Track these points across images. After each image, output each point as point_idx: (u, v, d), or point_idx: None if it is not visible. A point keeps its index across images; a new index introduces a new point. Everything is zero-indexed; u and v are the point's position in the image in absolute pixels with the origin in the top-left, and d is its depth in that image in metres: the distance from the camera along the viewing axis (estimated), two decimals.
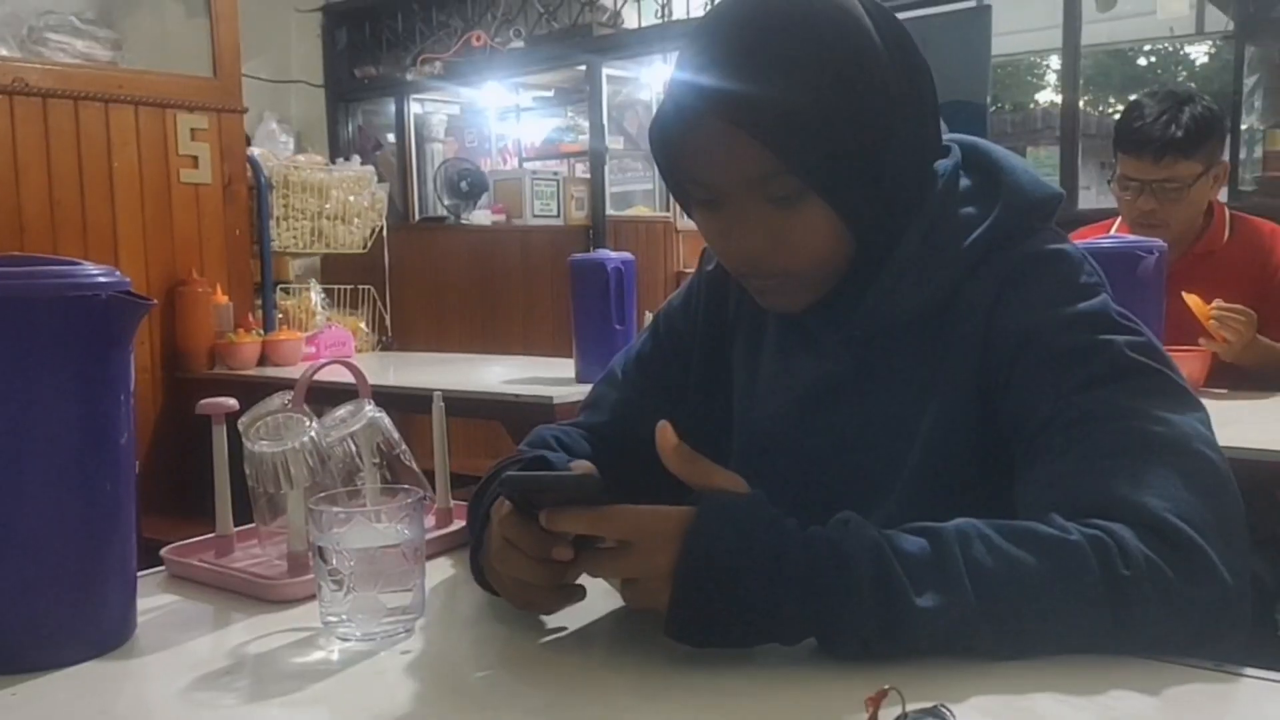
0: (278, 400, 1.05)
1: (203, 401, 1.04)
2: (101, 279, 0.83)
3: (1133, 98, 2.36)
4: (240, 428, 1.02)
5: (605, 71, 5.14)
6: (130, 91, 3.03)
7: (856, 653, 0.73)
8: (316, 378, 1.05)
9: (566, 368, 2.56)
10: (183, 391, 3.02)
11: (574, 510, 0.77)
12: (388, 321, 3.66)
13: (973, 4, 4.23)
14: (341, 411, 1.07)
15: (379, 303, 3.65)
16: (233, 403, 1.05)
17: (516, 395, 2.33)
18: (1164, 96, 2.23)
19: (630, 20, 5.06)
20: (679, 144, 0.90)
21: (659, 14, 4.88)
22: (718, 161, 0.88)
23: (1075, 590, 0.73)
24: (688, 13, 4.81)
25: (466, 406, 2.32)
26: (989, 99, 4.16)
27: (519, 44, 5.22)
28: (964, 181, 0.95)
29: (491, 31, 5.35)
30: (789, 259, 0.90)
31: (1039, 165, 0.91)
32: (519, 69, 5.34)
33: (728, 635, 0.75)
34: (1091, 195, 5.66)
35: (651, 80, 5.74)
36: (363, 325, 3.54)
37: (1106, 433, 0.81)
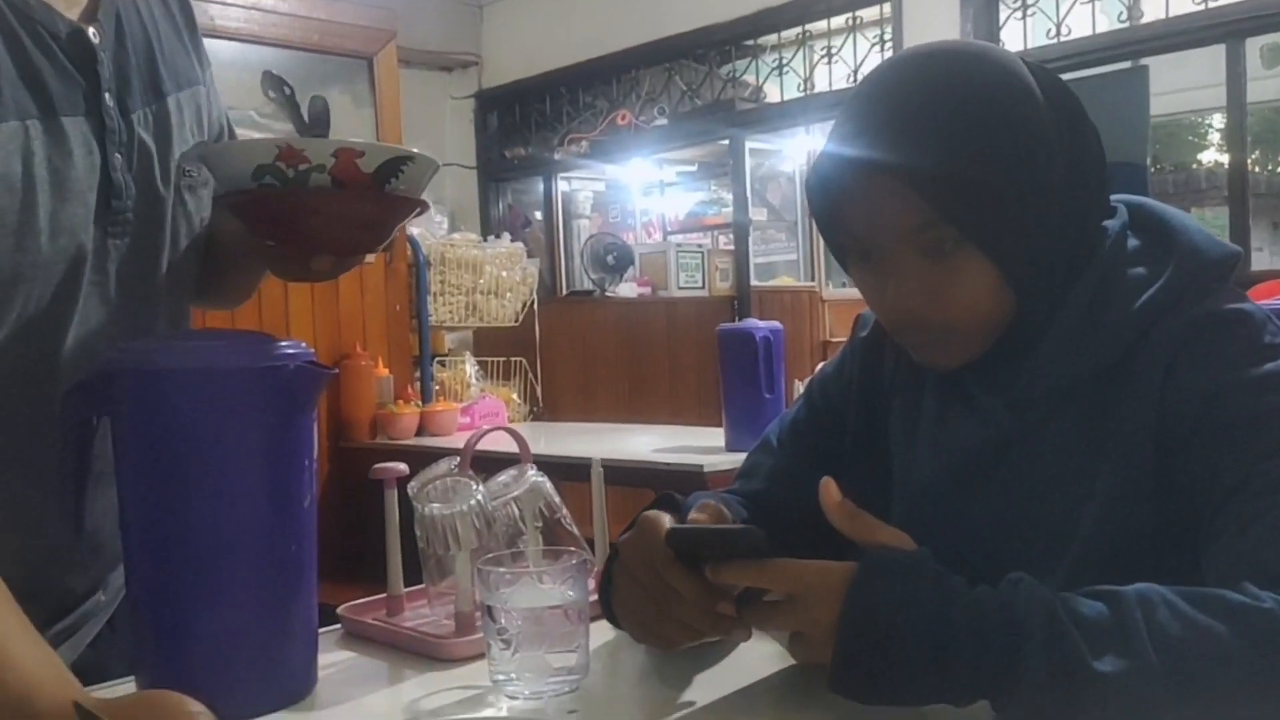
0: (444, 465, 1.09)
1: (376, 466, 1.09)
2: (289, 350, 0.89)
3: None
4: (410, 492, 1.06)
5: (748, 145, 5.20)
6: None
7: (1031, 716, 0.71)
8: (478, 446, 1.10)
9: (715, 437, 2.58)
10: (347, 460, 3.16)
11: (739, 563, 0.78)
12: (538, 392, 3.75)
13: (1129, 65, 4.13)
14: (505, 476, 1.11)
15: (530, 373, 3.74)
16: (403, 468, 1.10)
17: (668, 464, 2.35)
18: None
19: (773, 95, 5.12)
20: (834, 196, 0.90)
21: (801, 88, 4.93)
22: (870, 211, 0.88)
23: (1270, 660, 0.69)
24: (830, 85, 4.84)
25: (618, 475, 2.35)
26: (1149, 160, 4.03)
27: (663, 121, 5.34)
28: (1132, 241, 0.93)
29: (636, 110, 5.49)
30: (947, 312, 0.89)
31: (1207, 226, 0.89)
32: (662, 145, 5.45)
33: (893, 693, 0.74)
34: (1264, 257, 5.39)
35: (794, 152, 5.78)
36: (515, 396, 3.64)
37: None
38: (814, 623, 0.76)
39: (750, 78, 5.14)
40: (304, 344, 0.92)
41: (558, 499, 1.09)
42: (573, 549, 0.93)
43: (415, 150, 0.93)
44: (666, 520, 0.87)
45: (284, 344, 0.89)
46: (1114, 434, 0.88)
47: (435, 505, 1.01)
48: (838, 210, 0.91)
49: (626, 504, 3.69)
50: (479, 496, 1.02)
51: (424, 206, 0.98)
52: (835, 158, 0.89)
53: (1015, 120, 0.86)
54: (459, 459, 1.09)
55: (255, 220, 0.96)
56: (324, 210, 0.91)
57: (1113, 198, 0.96)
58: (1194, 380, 0.85)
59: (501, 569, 0.87)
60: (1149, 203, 0.97)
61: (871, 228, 0.89)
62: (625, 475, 2.42)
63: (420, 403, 3.31)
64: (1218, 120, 5.14)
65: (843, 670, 0.74)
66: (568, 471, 2.22)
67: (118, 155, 0.96)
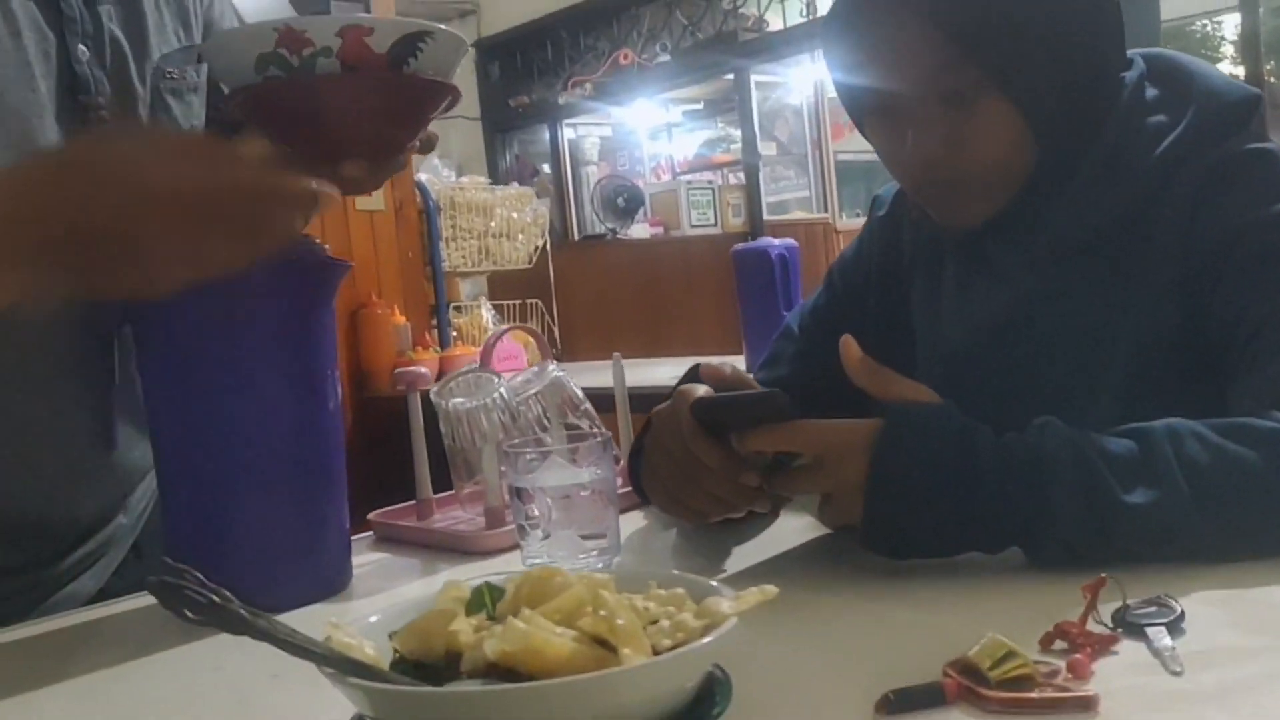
0: (466, 367, 1.09)
1: (398, 370, 1.10)
2: (304, 246, 0.89)
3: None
4: (433, 394, 1.07)
5: (754, 79, 5.14)
6: None
7: (1062, 558, 0.71)
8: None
9: (737, 363, 2.57)
10: (370, 411, 3.17)
11: (764, 428, 0.78)
12: (556, 333, 3.75)
13: None
14: (526, 374, 1.11)
15: (546, 315, 3.74)
16: (426, 372, 1.10)
17: None
18: None
19: (775, 23, 5.05)
20: (854, 42, 0.89)
21: (804, 12, 4.86)
22: (893, 54, 0.87)
23: None
24: None
25: (641, 403, 2.34)
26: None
27: (665, 58, 5.29)
28: (1151, 91, 0.92)
29: (638, 49, 5.43)
30: (968, 162, 0.88)
31: None
32: (667, 82, 5.40)
33: (924, 545, 0.75)
34: None
35: (800, 84, 5.72)
36: (532, 340, 3.64)
37: None
38: (842, 482, 0.75)
39: (751, 10, 5.07)
40: (316, 240, 0.92)
41: (580, 393, 1.09)
42: (597, 430, 0.93)
43: (435, 25, 0.82)
44: (700, 391, 0.86)
45: (300, 239, 0.89)
46: (1138, 282, 0.88)
47: (459, 399, 1.01)
48: (856, 60, 0.90)
49: None
50: (502, 390, 1.02)
51: (454, 93, 0.87)
52: (852, 2, 0.88)
53: None
54: (479, 360, 1.09)
55: (265, 122, 0.87)
56: (336, 100, 0.82)
57: (1130, 51, 0.95)
58: (1219, 218, 0.85)
59: (529, 449, 0.87)
60: (1165, 52, 0.96)
61: (893, 72, 0.87)
62: (648, 402, 2.41)
63: (439, 349, 3.32)
64: (1230, 27, 5.03)
65: (874, 527, 0.75)
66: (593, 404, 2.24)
67: (82, 47, 0.93)
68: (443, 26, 0.83)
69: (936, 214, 0.95)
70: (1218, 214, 0.85)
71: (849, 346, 0.79)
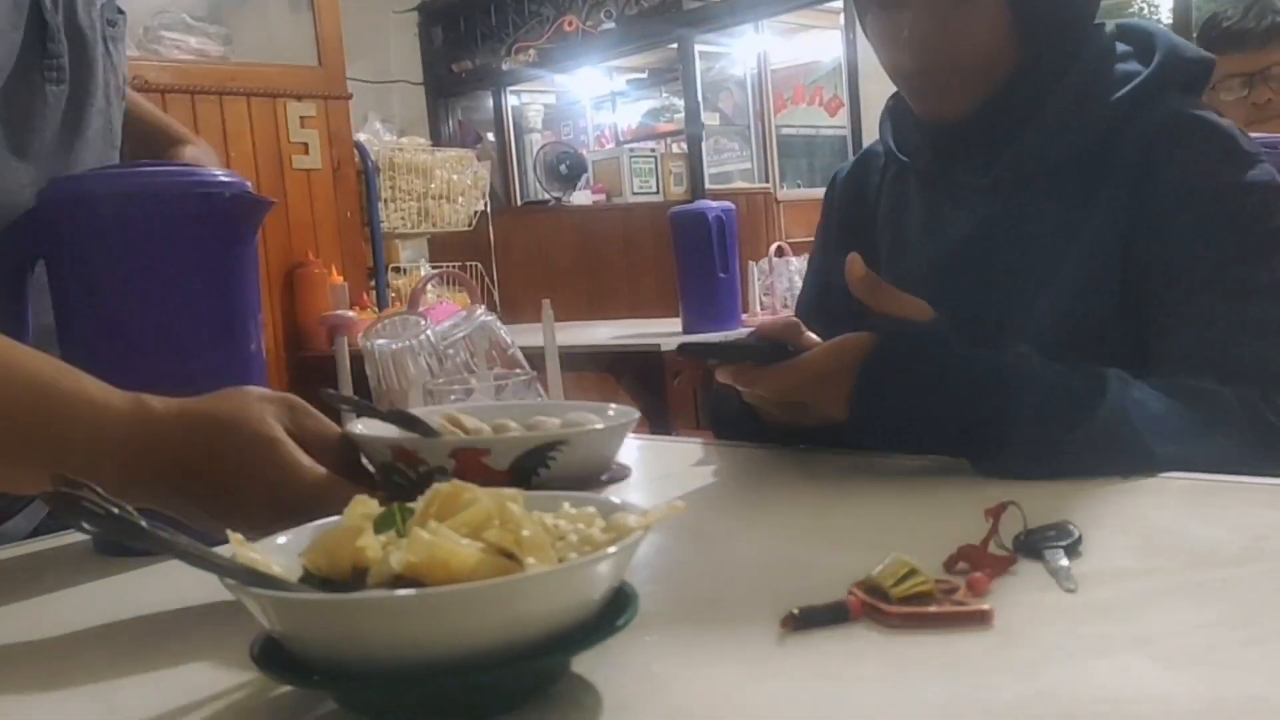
0: (395, 312, 1.09)
1: (325, 314, 1.09)
2: (225, 179, 0.87)
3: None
4: (361, 334, 1.06)
5: (698, 48, 5.14)
6: (242, 84, 3.16)
7: (1014, 467, 0.76)
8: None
9: (674, 325, 2.58)
10: (303, 369, 3.13)
11: (758, 371, 0.82)
12: (496, 296, 3.74)
13: None
14: (454, 319, 1.11)
15: (486, 277, 3.72)
16: (353, 315, 1.09)
17: (624, 345, 2.36)
18: (1241, 7, 2.21)
19: None
20: None
21: None
22: None
23: (1224, 429, 0.77)
24: None
25: (577, 360, 2.35)
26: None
27: (610, 25, 5.26)
28: (1121, 47, 1.00)
29: (583, 15, 5.40)
30: (959, 50, 0.94)
31: None
32: (611, 50, 5.38)
33: (897, 441, 0.81)
34: None
35: (744, 54, 5.72)
36: (471, 302, 3.62)
37: (1261, 309, 0.84)
38: (830, 383, 0.80)
39: None
40: (239, 175, 0.90)
41: (509, 339, 1.09)
42: (520, 370, 0.94)
43: (570, 430, 0.69)
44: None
45: (220, 174, 0.88)
46: (1088, 219, 0.93)
47: (383, 340, 1.01)
48: None
49: (588, 390, 3.73)
50: (428, 333, 1.02)
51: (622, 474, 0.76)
52: None
53: None
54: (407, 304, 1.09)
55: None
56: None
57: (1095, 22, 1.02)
58: (1175, 173, 0.90)
59: (454, 386, 0.87)
60: (1133, 21, 1.05)
61: None
62: (584, 361, 2.43)
63: (377, 309, 3.29)
64: (1165, 10, 5.12)
65: (856, 420, 0.80)
66: (529, 364, 2.24)
67: None
68: (580, 428, 0.72)
69: (920, 105, 1.01)
70: (1168, 170, 0.91)
71: (854, 263, 0.83)
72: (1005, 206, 0.98)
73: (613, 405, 0.76)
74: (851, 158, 1.22)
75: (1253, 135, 2.01)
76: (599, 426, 0.70)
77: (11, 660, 0.61)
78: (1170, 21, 4.23)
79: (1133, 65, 0.97)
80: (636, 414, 0.74)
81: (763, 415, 0.89)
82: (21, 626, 0.68)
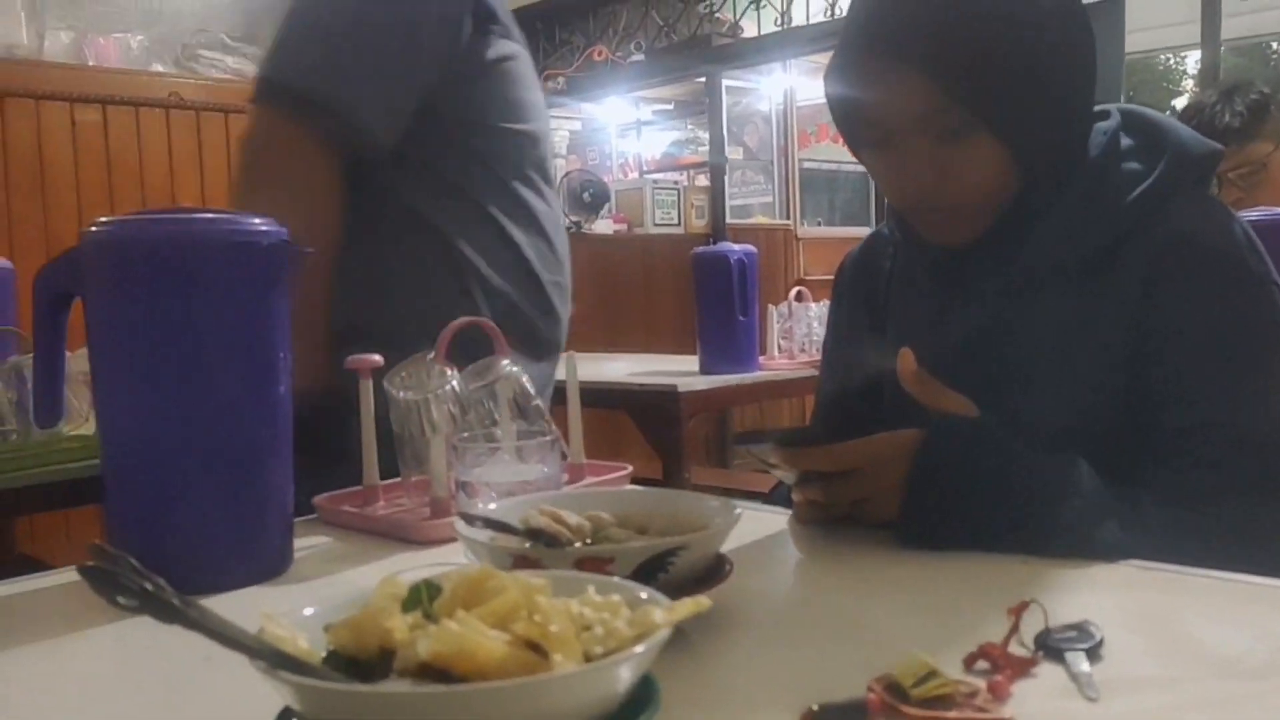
0: (421, 356, 1.09)
1: (350, 358, 1.09)
2: (263, 228, 0.89)
3: (1182, 104, 2.36)
4: (385, 380, 1.07)
5: (725, 83, 5.17)
6: None
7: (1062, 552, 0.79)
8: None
9: (690, 363, 2.58)
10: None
11: (810, 450, 0.85)
12: None
13: None
14: (478, 366, 1.11)
15: None
16: (378, 359, 1.10)
17: (641, 384, 2.36)
18: (1217, 93, 2.24)
19: (750, 30, 5.08)
20: (851, 86, 0.95)
21: (778, 22, 4.89)
22: (887, 99, 0.93)
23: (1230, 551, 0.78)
24: (807, 19, 4.81)
25: (594, 397, 2.34)
26: (1122, 99, 4.03)
27: (639, 57, 5.29)
28: (1126, 141, 0.99)
29: (613, 46, 5.44)
30: (957, 190, 0.94)
31: None
32: (639, 81, 5.41)
33: (950, 539, 0.82)
34: None
35: (771, 90, 5.75)
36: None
37: (1264, 460, 0.87)
38: (882, 484, 0.84)
39: (727, 14, 5.09)
40: (277, 224, 0.91)
41: (531, 389, 1.09)
42: (545, 426, 0.94)
43: (688, 537, 0.67)
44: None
45: (258, 221, 0.89)
46: (1094, 326, 0.94)
47: (409, 390, 1.01)
48: (854, 100, 0.95)
49: (603, 427, 3.73)
50: (454, 383, 1.02)
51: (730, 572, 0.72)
52: (851, 50, 0.94)
53: (1018, 10, 0.91)
54: (434, 351, 1.09)
55: None
56: None
57: (1101, 106, 1.02)
58: (1177, 301, 0.91)
59: (478, 445, 0.88)
60: (1137, 107, 1.03)
61: (888, 114, 0.93)
62: (600, 397, 2.43)
63: None
64: (1191, 63, 5.12)
65: (909, 519, 0.83)
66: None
67: None
68: (703, 531, 0.69)
69: (926, 233, 1.01)
70: (1175, 294, 0.92)
71: (906, 358, 0.86)
72: (1015, 304, 0.98)
73: (702, 495, 0.77)
74: (867, 234, 1.23)
75: (1249, 214, 2.02)
76: (713, 529, 0.69)
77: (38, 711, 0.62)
78: (1197, 72, 4.24)
79: (1139, 165, 0.96)
80: (739, 510, 0.72)
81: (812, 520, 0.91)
82: (43, 670, 0.69)
